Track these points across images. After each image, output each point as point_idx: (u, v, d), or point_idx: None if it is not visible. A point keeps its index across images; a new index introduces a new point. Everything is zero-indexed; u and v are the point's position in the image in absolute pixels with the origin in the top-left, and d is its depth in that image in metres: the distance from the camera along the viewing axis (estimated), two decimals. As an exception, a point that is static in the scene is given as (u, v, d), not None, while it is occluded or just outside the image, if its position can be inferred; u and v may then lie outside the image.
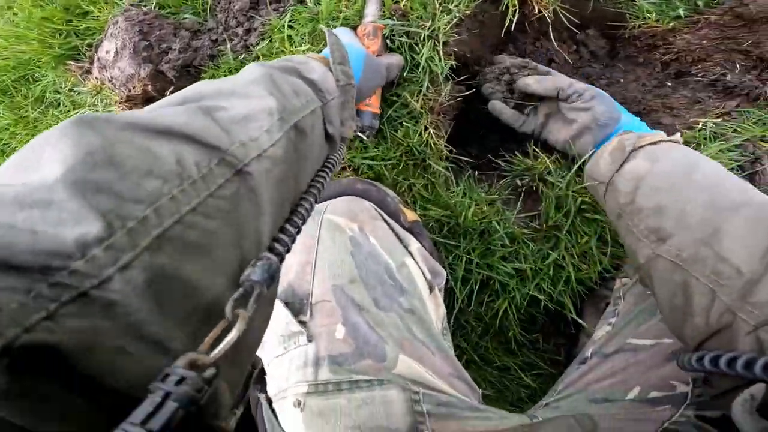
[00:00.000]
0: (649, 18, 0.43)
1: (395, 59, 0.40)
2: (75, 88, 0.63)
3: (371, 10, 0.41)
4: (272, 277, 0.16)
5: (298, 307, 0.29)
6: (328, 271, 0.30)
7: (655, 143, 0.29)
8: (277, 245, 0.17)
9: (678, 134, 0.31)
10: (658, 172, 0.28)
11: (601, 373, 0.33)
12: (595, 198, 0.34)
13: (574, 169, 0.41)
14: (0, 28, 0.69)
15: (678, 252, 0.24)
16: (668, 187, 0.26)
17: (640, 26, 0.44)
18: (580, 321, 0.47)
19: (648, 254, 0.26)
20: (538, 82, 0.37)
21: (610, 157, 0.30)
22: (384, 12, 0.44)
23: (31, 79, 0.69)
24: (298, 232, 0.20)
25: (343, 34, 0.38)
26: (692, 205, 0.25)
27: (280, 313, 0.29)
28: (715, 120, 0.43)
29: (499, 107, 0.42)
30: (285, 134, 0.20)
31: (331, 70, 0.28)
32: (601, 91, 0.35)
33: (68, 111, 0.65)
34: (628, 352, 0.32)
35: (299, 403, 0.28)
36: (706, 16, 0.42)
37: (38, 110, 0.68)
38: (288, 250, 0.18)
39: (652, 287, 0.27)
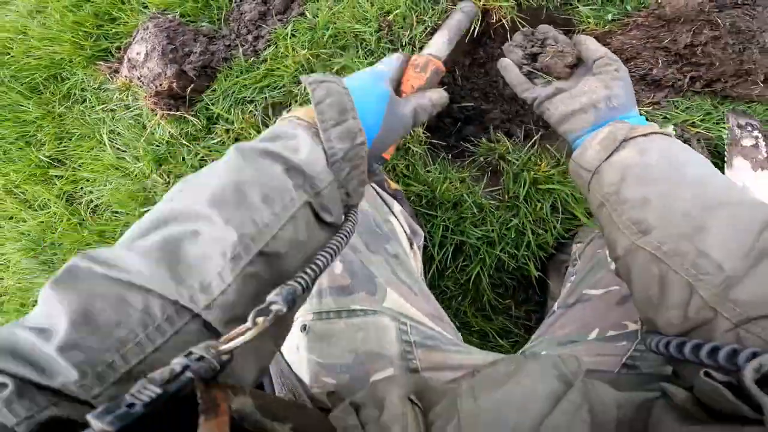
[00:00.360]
0: (589, 22, 0.55)
1: (428, 98, 0.32)
2: (102, 86, 0.75)
3: (435, 42, 0.36)
4: (294, 301, 0.19)
5: None
6: None
7: (646, 135, 0.29)
8: (300, 280, 0.20)
9: (670, 127, 0.33)
10: (646, 164, 0.28)
11: (565, 320, 0.39)
12: (577, 186, 0.33)
13: (528, 146, 0.52)
14: (32, 30, 0.81)
15: (659, 244, 0.24)
16: (655, 180, 0.27)
17: (583, 30, 0.56)
18: (545, 277, 0.57)
19: (627, 245, 0.27)
20: (595, 43, 0.36)
21: (599, 145, 0.30)
22: (372, 24, 0.57)
23: (59, 78, 0.80)
24: (315, 278, 0.22)
25: (385, 63, 0.33)
26: (678, 200, 0.25)
27: None
28: (645, 108, 0.55)
29: (507, 65, 0.39)
30: (240, 274, 0.20)
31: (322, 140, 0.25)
32: (630, 81, 0.34)
33: (93, 107, 0.76)
34: (585, 301, 0.38)
35: (305, 328, 0.34)
36: (634, 19, 0.54)
37: (65, 106, 0.80)
38: (308, 287, 0.21)
39: (629, 279, 0.27)
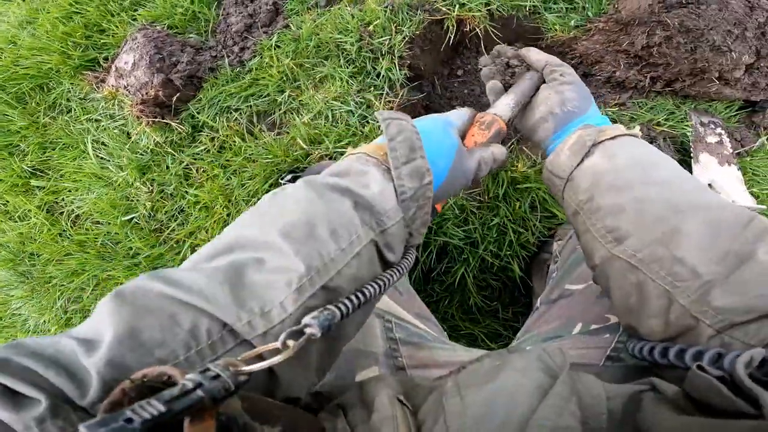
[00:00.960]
0: (556, 29, 0.61)
1: (491, 152, 0.33)
2: (88, 96, 0.79)
3: (501, 104, 0.37)
4: (329, 327, 0.19)
5: None
6: None
7: (613, 138, 0.30)
8: (341, 305, 0.21)
9: (637, 128, 0.35)
10: (616, 169, 0.28)
11: (549, 316, 0.40)
12: (552, 193, 0.34)
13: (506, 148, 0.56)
14: (22, 40, 0.85)
15: (634, 252, 0.25)
16: (626, 186, 0.27)
17: (552, 37, 0.62)
18: (528, 279, 0.60)
19: (604, 254, 0.27)
20: (537, 53, 0.38)
21: (569, 151, 0.31)
22: (353, 35, 0.62)
23: (46, 88, 0.84)
24: (358, 306, 0.22)
25: (455, 115, 0.33)
26: (649, 206, 0.26)
27: None
28: (612, 109, 0.59)
29: (499, 88, 0.40)
30: (302, 306, 0.20)
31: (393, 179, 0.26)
32: (581, 82, 0.36)
33: (78, 117, 0.80)
34: (567, 297, 0.40)
35: None
36: (595, 24, 0.59)
37: (50, 116, 0.83)
38: (348, 314, 0.21)
39: (607, 288, 0.28)
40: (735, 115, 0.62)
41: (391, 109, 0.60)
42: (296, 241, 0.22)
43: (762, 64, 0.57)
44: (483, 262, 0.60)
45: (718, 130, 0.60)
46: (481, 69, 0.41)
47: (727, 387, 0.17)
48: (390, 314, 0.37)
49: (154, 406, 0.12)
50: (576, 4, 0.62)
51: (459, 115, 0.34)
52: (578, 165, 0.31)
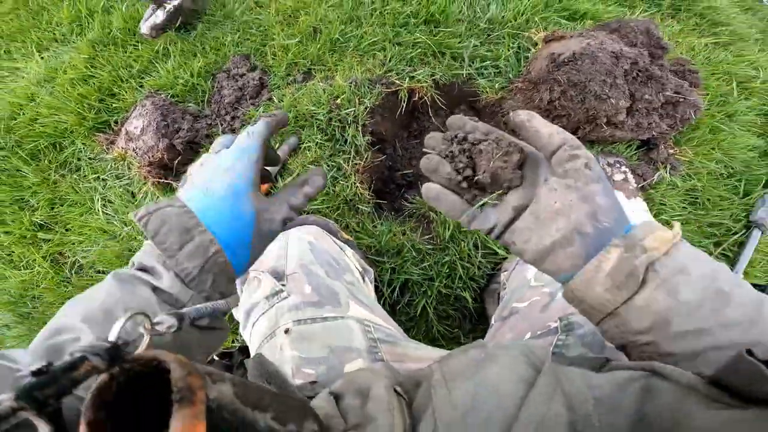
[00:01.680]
0: (487, 92, 0.77)
1: (302, 195, 0.32)
2: (98, 156, 0.92)
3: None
4: (182, 319, 0.23)
5: (278, 276, 0.48)
6: (296, 258, 0.50)
7: (667, 253, 0.25)
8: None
9: (677, 225, 0.26)
10: (686, 309, 0.24)
11: (504, 330, 0.49)
12: (579, 312, 0.28)
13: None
14: (41, 98, 0.97)
15: None
16: (702, 331, 0.24)
17: (485, 98, 0.78)
18: (482, 307, 0.71)
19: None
20: (546, 125, 0.28)
21: (610, 281, 0.25)
22: (324, 106, 0.78)
23: (59, 146, 0.95)
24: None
25: (245, 174, 0.29)
26: (733, 351, 0.22)
27: (267, 281, 0.48)
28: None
29: (435, 193, 0.30)
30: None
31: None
32: (606, 176, 0.28)
33: (86, 176, 0.92)
34: (515, 313, 0.49)
35: (287, 331, 0.43)
36: (516, 85, 0.75)
37: (60, 174, 0.96)
38: (180, 326, 0.24)
39: None
40: (635, 154, 0.77)
41: (358, 171, 0.75)
42: (96, 323, 0.26)
43: (640, 106, 0.69)
44: (440, 294, 0.72)
45: (623, 168, 0.74)
46: (424, 151, 0.33)
47: None
48: (368, 321, 0.46)
49: (37, 363, 0.15)
50: (501, 68, 0.80)
51: (247, 167, 0.29)
52: (627, 301, 0.25)
